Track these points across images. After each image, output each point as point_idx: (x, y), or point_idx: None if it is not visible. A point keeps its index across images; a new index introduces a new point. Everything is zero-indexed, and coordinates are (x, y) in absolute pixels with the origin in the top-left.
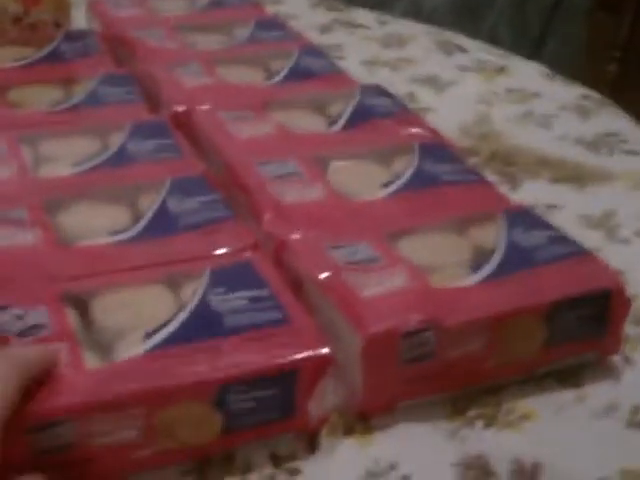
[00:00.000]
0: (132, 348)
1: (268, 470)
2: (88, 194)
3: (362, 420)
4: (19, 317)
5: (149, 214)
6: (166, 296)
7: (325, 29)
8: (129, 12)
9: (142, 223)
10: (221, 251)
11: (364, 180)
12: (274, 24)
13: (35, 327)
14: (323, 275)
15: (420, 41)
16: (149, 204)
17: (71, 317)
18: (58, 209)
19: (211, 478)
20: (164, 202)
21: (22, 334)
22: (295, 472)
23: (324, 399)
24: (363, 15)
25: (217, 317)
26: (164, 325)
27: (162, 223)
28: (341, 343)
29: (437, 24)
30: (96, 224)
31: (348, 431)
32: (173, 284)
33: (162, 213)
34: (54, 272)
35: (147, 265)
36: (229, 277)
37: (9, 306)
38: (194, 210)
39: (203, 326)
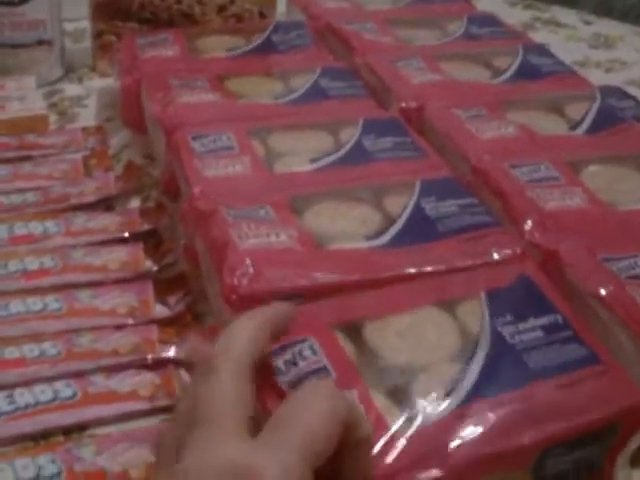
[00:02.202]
0: (432, 401)
1: None
2: (332, 193)
3: None
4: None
5: (403, 217)
6: (448, 324)
7: (528, 28)
8: (335, 4)
9: (397, 226)
10: (491, 260)
11: (624, 187)
12: (487, 20)
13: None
14: (605, 290)
15: (629, 42)
16: (399, 206)
17: (347, 349)
18: (303, 208)
19: None
20: (418, 205)
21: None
22: None
23: (630, 450)
24: (564, 14)
25: (517, 356)
26: (463, 374)
27: (420, 228)
28: (629, 368)
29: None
30: (347, 226)
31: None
32: (447, 305)
33: (418, 217)
34: (321, 281)
35: (415, 275)
36: (512, 298)
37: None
38: (453, 215)
39: (506, 371)
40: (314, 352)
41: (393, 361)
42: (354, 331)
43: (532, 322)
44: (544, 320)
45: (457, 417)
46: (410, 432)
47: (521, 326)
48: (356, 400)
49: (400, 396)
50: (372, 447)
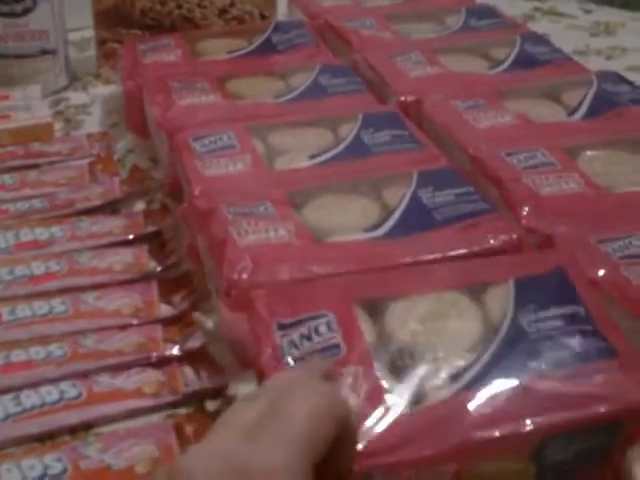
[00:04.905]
0: (435, 385)
1: None
2: (331, 187)
3: None
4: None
5: (401, 208)
6: (472, 312)
7: (528, 18)
8: (335, 2)
9: (394, 217)
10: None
11: (619, 170)
12: (486, 12)
13: (331, 347)
14: (600, 272)
15: (629, 28)
16: (397, 197)
17: (366, 329)
18: (303, 203)
19: None
20: (415, 195)
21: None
22: None
23: None
24: (565, 3)
25: (530, 345)
26: (473, 362)
27: (417, 218)
28: None
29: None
30: (346, 219)
31: None
32: (476, 290)
33: (415, 207)
34: (318, 272)
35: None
36: (541, 288)
37: (298, 319)
38: (450, 204)
39: (517, 359)
40: (330, 329)
41: (409, 346)
42: (377, 310)
43: (553, 311)
44: (566, 310)
45: (456, 402)
46: (407, 412)
47: (542, 314)
48: (359, 378)
49: (406, 377)
50: (356, 443)
